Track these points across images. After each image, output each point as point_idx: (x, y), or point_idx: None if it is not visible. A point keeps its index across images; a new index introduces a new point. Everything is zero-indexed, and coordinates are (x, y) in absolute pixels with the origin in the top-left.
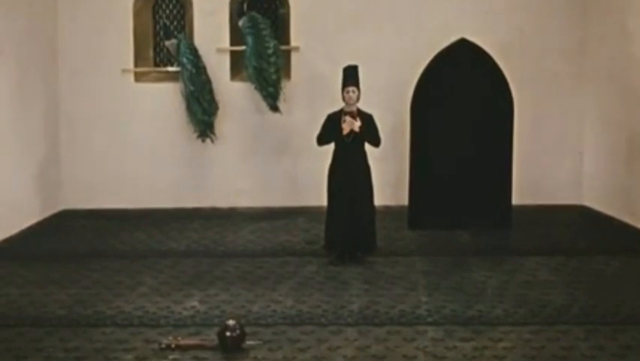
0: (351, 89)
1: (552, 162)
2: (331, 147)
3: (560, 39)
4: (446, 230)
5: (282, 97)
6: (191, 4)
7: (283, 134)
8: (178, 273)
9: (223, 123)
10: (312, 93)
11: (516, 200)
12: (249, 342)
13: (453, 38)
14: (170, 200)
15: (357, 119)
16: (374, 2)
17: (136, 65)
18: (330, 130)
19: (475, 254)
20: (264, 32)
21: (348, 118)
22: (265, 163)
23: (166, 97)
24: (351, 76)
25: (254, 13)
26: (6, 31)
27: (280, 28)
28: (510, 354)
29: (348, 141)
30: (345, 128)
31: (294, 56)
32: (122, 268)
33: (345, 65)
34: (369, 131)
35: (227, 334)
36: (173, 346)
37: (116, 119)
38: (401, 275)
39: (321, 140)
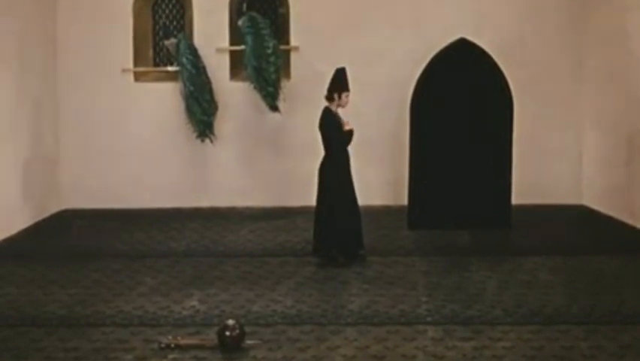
0: (349, 93)
1: (552, 162)
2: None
3: (560, 39)
4: (446, 230)
5: (281, 97)
6: (190, 3)
7: (283, 134)
8: (178, 273)
9: (222, 123)
10: (311, 93)
11: (516, 200)
12: (249, 342)
13: (453, 38)
14: (170, 200)
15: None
16: (374, 2)
17: (135, 64)
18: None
19: (475, 254)
20: (264, 32)
21: (346, 120)
22: (265, 163)
23: (165, 97)
24: (346, 80)
25: (253, 13)
26: (6, 31)
27: (280, 28)
28: (510, 354)
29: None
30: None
31: (293, 56)
32: (122, 268)
33: (339, 66)
34: None
35: (227, 333)
36: (172, 345)
37: (115, 119)
38: (401, 275)
39: (346, 140)
